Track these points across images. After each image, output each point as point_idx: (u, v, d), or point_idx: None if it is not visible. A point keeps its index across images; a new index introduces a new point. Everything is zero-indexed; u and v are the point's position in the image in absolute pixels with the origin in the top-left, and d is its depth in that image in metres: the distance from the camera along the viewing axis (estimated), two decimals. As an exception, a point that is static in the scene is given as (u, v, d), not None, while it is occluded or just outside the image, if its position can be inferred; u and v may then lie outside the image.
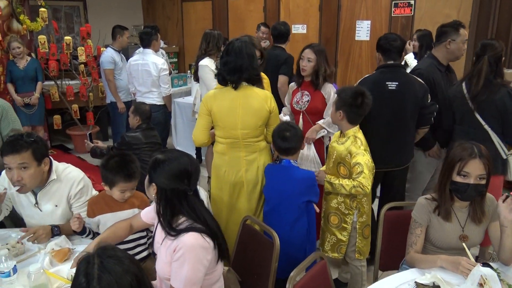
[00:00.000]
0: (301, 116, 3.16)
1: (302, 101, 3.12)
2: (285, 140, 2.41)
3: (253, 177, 2.62)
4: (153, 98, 4.49)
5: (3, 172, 2.21)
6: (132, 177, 2.10)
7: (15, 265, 1.70)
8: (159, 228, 1.82)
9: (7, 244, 2.00)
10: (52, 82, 5.48)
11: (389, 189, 3.05)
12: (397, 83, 2.76)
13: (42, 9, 5.05)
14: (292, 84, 3.27)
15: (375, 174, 2.48)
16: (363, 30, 5.66)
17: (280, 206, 2.45)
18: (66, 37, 5.31)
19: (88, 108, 5.74)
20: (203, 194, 2.49)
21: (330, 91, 3.05)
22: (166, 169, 1.70)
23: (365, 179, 2.29)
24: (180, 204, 1.71)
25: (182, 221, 1.72)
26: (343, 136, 2.50)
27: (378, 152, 2.65)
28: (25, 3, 5.02)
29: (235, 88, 2.53)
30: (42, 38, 5.08)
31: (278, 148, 2.46)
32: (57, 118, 5.63)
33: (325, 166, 2.71)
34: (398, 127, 2.82)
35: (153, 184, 1.72)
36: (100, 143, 3.68)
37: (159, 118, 4.49)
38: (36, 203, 2.18)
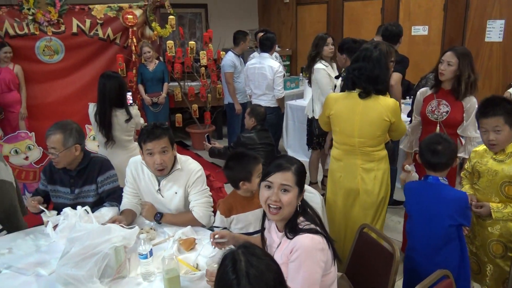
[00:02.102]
0: (437, 127, 2.85)
1: (439, 111, 2.81)
2: (436, 155, 2.11)
3: (370, 187, 2.54)
4: (268, 101, 4.63)
5: (132, 159, 2.50)
6: (258, 159, 2.23)
7: (151, 249, 1.88)
8: (273, 230, 1.85)
9: (142, 229, 2.23)
10: (176, 83, 5.94)
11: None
12: None
13: (171, 16, 5.50)
14: (424, 90, 2.96)
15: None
16: (494, 31, 5.16)
17: (425, 227, 2.16)
18: (190, 42, 5.71)
19: (206, 108, 6.11)
20: (318, 197, 2.51)
21: (473, 105, 2.71)
22: (302, 171, 1.74)
23: None
24: (303, 200, 1.76)
25: (301, 221, 1.74)
26: (502, 152, 2.18)
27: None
28: (157, 11, 5.51)
29: (364, 97, 2.45)
30: (170, 43, 5.53)
31: (425, 163, 2.18)
32: (178, 117, 6.08)
33: (466, 187, 2.38)
34: None
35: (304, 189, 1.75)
36: (217, 144, 3.91)
37: (272, 120, 4.61)
38: (159, 189, 2.39)
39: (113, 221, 2.19)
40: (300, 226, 1.70)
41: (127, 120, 3.31)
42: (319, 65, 4.03)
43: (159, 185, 2.40)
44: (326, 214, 2.61)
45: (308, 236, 1.64)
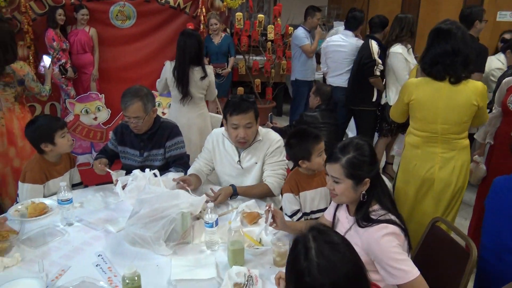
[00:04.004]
0: None
1: None
2: None
3: (447, 177, 2.38)
4: (344, 80, 4.47)
5: (215, 130, 2.52)
6: (319, 137, 2.16)
7: (217, 218, 1.87)
8: (344, 211, 1.79)
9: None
10: (241, 56, 5.90)
11: None
12: None
13: (241, -13, 5.42)
14: (510, 79, 2.74)
15: None
16: None
17: (504, 225, 1.98)
18: (259, 15, 5.62)
19: (268, 84, 6.04)
20: (388, 185, 2.39)
21: None
22: (369, 156, 1.66)
23: None
24: (380, 188, 1.68)
25: (376, 209, 1.66)
26: None
27: None
28: (227, -18, 5.45)
29: (454, 82, 2.27)
30: (239, 15, 5.48)
31: None
32: (240, 90, 6.08)
33: None
34: None
35: (366, 180, 1.66)
36: (278, 124, 3.86)
37: (344, 101, 4.47)
38: (239, 161, 2.39)
39: (182, 179, 2.23)
40: (374, 216, 1.62)
41: (202, 78, 3.43)
42: (396, 49, 3.82)
43: (239, 156, 2.40)
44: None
45: (384, 226, 1.57)
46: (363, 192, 1.66)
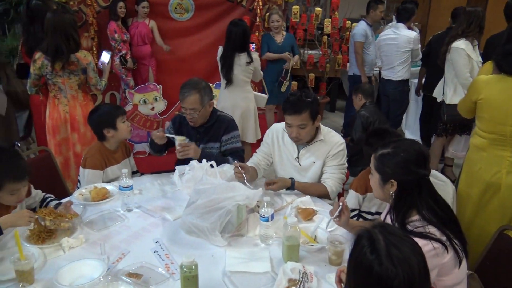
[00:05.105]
0: None
1: None
2: None
3: (515, 183, 2.23)
4: (394, 73, 4.36)
5: (276, 125, 2.51)
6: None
7: (273, 213, 1.86)
8: (388, 221, 1.72)
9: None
10: (296, 50, 5.84)
11: None
12: None
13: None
14: None
15: None
16: None
17: None
18: (316, 9, 5.53)
19: (322, 79, 5.94)
20: (450, 187, 2.27)
21: None
22: (403, 158, 1.57)
23: None
24: (419, 194, 1.56)
25: (415, 219, 1.56)
26: None
27: None
28: (284, -25, 5.40)
29: None
30: (295, 8, 5.41)
31: None
32: (294, 84, 6.00)
33: None
34: None
35: (392, 181, 1.59)
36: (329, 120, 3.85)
37: (395, 96, 4.40)
38: (297, 157, 2.37)
39: (240, 165, 2.24)
40: (410, 227, 1.53)
41: (248, 63, 3.73)
42: (459, 44, 3.61)
43: (298, 153, 2.38)
44: (456, 207, 2.36)
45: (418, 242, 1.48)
46: (392, 194, 1.60)
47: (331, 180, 2.28)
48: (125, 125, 2.45)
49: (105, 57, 3.55)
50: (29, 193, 2.08)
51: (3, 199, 1.83)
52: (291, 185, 2.26)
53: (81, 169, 2.45)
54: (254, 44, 4.52)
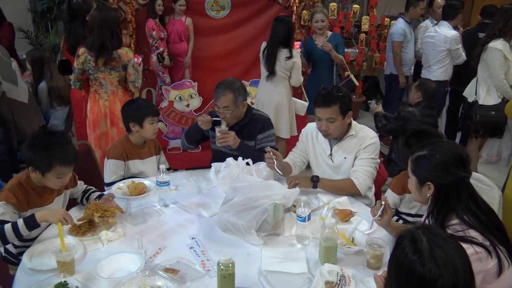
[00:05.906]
0: None
1: None
2: None
3: None
4: (431, 73, 4.23)
5: (310, 124, 2.48)
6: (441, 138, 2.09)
7: (310, 213, 1.83)
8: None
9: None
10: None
11: None
12: None
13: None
14: None
15: None
16: None
17: None
18: (354, 5, 5.43)
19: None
20: (496, 192, 2.18)
21: None
22: (440, 159, 1.52)
23: None
24: (458, 197, 1.50)
25: (454, 223, 1.50)
26: None
27: None
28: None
29: None
30: (333, 5, 5.33)
31: None
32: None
33: None
34: None
35: (429, 183, 1.54)
36: (380, 107, 3.86)
37: None
38: (330, 154, 2.34)
39: (274, 152, 2.23)
40: (450, 231, 1.46)
41: (288, 58, 3.76)
42: (497, 44, 3.45)
43: (331, 150, 2.36)
44: (503, 213, 2.25)
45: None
46: (429, 197, 1.55)
47: (358, 172, 2.23)
48: (151, 127, 2.46)
49: (137, 59, 3.63)
50: (75, 183, 2.15)
51: (49, 181, 1.88)
52: (314, 185, 2.24)
53: (105, 160, 2.51)
54: (301, 42, 4.46)
